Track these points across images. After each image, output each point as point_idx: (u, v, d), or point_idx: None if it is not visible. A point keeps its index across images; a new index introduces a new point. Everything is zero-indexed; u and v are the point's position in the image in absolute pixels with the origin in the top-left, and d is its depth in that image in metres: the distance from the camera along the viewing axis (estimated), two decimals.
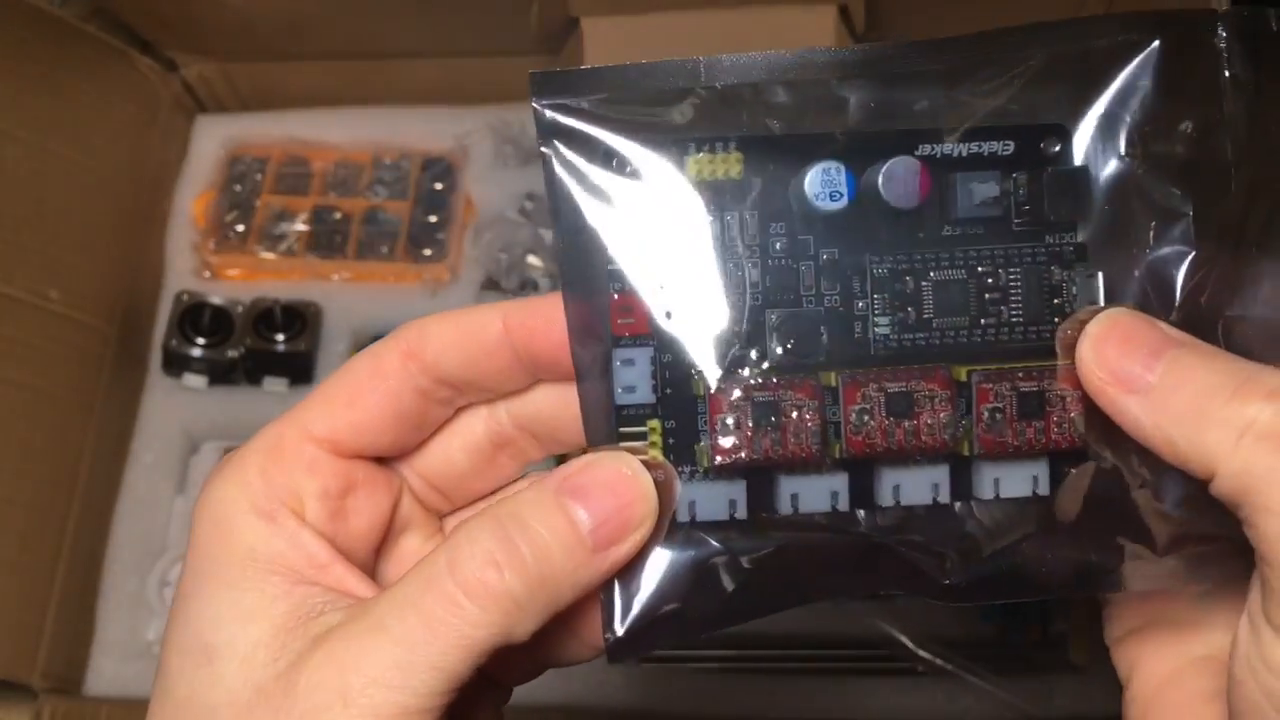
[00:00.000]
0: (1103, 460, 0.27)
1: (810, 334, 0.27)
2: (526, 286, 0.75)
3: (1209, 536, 0.26)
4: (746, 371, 0.27)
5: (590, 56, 0.65)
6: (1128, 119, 0.27)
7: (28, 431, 0.65)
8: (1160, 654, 0.29)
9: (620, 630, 0.26)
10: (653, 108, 0.26)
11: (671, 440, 0.27)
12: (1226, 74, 0.26)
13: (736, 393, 0.26)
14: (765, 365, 0.27)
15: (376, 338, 0.79)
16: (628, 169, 0.26)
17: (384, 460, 0.29)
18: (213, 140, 0.79)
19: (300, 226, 0.76)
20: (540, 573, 0.24)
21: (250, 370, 0.72)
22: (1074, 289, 0.27)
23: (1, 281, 0.65)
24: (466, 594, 0.24)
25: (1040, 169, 0.27)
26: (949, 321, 0.27)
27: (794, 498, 0.27)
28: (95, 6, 0.74)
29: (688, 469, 0.27)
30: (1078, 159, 0.27)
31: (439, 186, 0.77)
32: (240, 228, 0.76)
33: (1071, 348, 0.27)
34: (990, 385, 0.27)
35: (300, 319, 0.73)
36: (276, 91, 0.81)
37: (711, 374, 0.27)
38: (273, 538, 0.26)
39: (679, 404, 0.27)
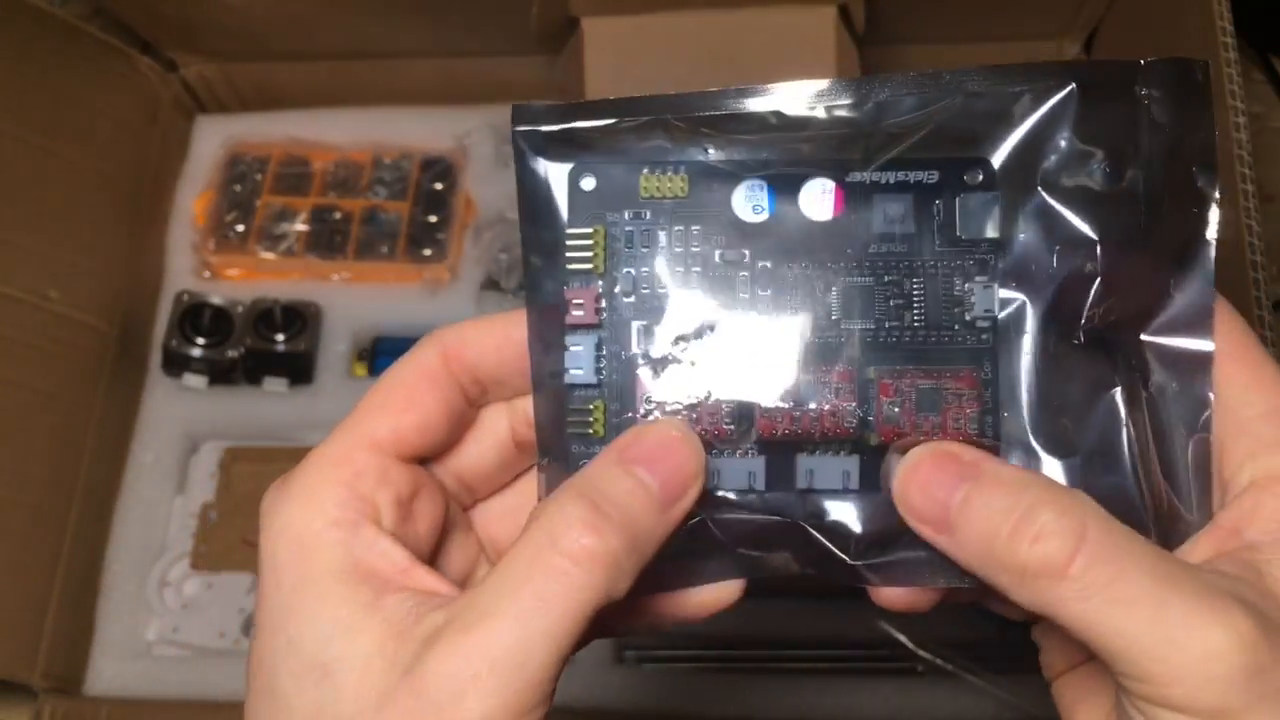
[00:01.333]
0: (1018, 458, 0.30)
1: (747, 313, 0.30)
2: None
3: None
4: (678, 362, 0.30)
5: (590, 56, 0.65)
6: (1044, 152, 0.29)
7: (28, 431, 0.65)
8: (1097, 695, 0.30)
9: None
10: (615, 135, 0.30)
11: (614, 420, 0.30)
12: (1148, 118, 0.28)
13: (667, 378, 0.30)
14: (694, 355, 0.30)
15: (376, 338, 0.79)
16: (591, 185, 0.30)
17: (424, 462, 0.31)
18: (213, 140, 0.79)
19: (300, 226, 0.76)
20: (631, 532, 0.26)
21: (250, 370, 0.72)
22: (973, 299, 0.30)
23: (1, 281, 0.65)
24: (574, 561, 0.25)
25: (959, 194, 0.30)
26: (856, 323, 0.30)
27: (715, 474, 0.30)
28: (95, 6, 0.74)
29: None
30: (996, 183, 0.30)
31: (439, 186, 0.77)
32: (240, 228, 0.76)
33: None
34: (891, 381, 0.30)
35: (300, 319, 0.73)
36: (276, 91, 0.81)
37: (645, 359, 0.30)
38: (357, 549, 0.27)
39: (619, 386, 0.30)
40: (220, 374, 0.72)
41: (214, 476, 0.71)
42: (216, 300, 0.73)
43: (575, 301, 0.30)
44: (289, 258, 0.75)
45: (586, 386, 0.30)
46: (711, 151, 0.30)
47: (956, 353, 0.30)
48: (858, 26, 0.66)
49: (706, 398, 0.30)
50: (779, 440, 0.30)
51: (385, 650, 0.26)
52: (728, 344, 0.30)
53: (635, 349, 0.30)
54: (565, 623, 0.25)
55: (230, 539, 0.69)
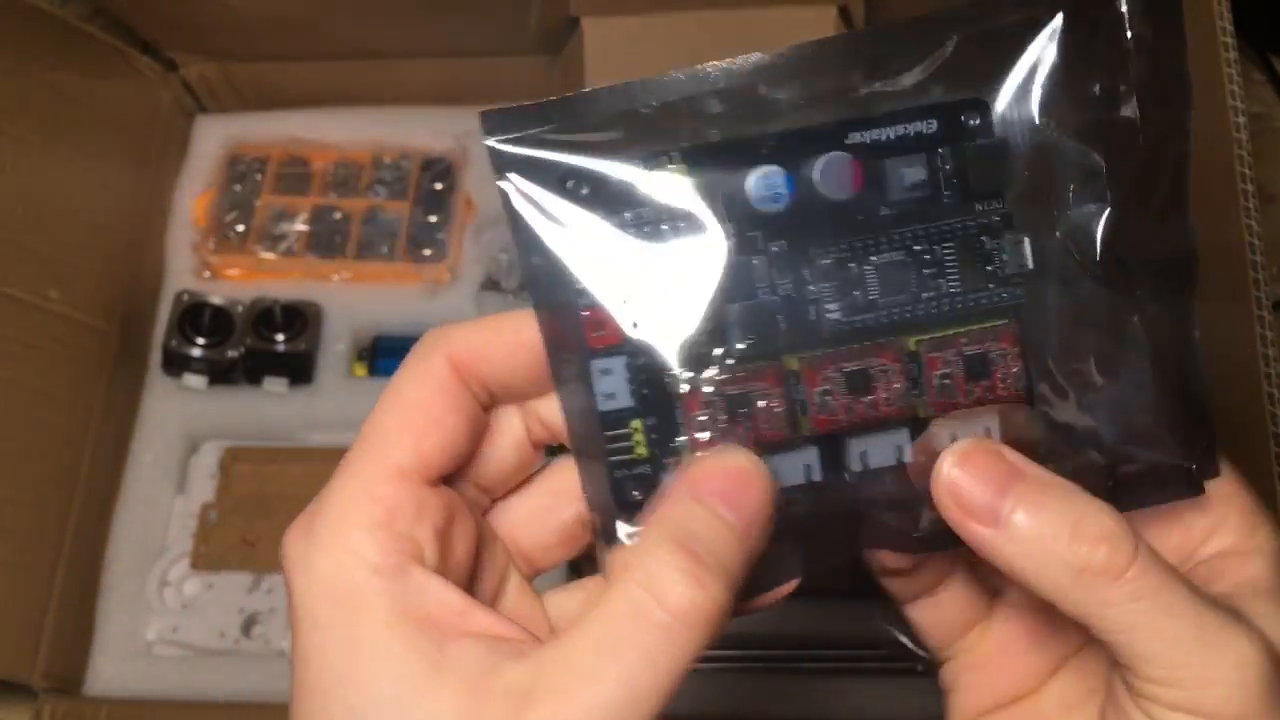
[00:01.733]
0: (1049, 406, 0.29)
1: (769, 324, 0.29)
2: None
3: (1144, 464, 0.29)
4: (714, 368, 0.28)
5: (590, 56, 0.65)
6: (1040, 88, 0.28)
7: (28, 431, 0.65)
8: None
9: None
10: (597, 131, 0.28)
11: (654, 436, 0.29)
12: (1129, 35, 0.28)
13: (707, 389, 0.28)
14: (730, 360, 0.29)
15: (376, 338, 0.79)
16: (582, 191, 0.28)
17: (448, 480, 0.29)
18: (213, 140, 0.79)
19: (300, 226, 0.76)
20: (728, 578, 0.25)
21: (250, 370, 0.72)
22: (1004, 255, 0.29)
23: (1, 281, 0.65)
24: (682, 619, 0.24)
25: (963, 144, 0.29)
26: (894, 299, 0.29)
27: (773, 475, 0.28)
28: (95, 6, 0.74)
29: (671, 461, 0.29)
30: (998, 130, 0.29)
31: (439, 186, 0.77)
32: (240, 228, 0.76)
33: (923, 473, 0.29)
34: (938, 353, 0.29)
35: (300, 319, 0.73)
36: (276, 91, 0.81)
37: (682, 374, 0.28)
38: (408, 597, 0.25)
39: (657, 403, 0.28)
40: (220, 374, 0.72)
41: (214, 476, 0.71)
42: (216, 300, 0.73)
43: (596, 322, 0.28)
44: (289, 258, 0.75)
45: (622, 410, 0.28)
46: (713, 133, 0.28)
47: (994, 311, 0.29)
48: (857, 26, 0.66)
49: (755, 402, 0.29)
50: (832, 432, 0.29)
51: (466, 710, 0.24)
52: (765, 341, 0.29)
53: (668, 361, 0.28)
54: (672, 679, 0.24)
55: (230, 539, 0.69)
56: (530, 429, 0.30)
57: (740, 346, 0.29)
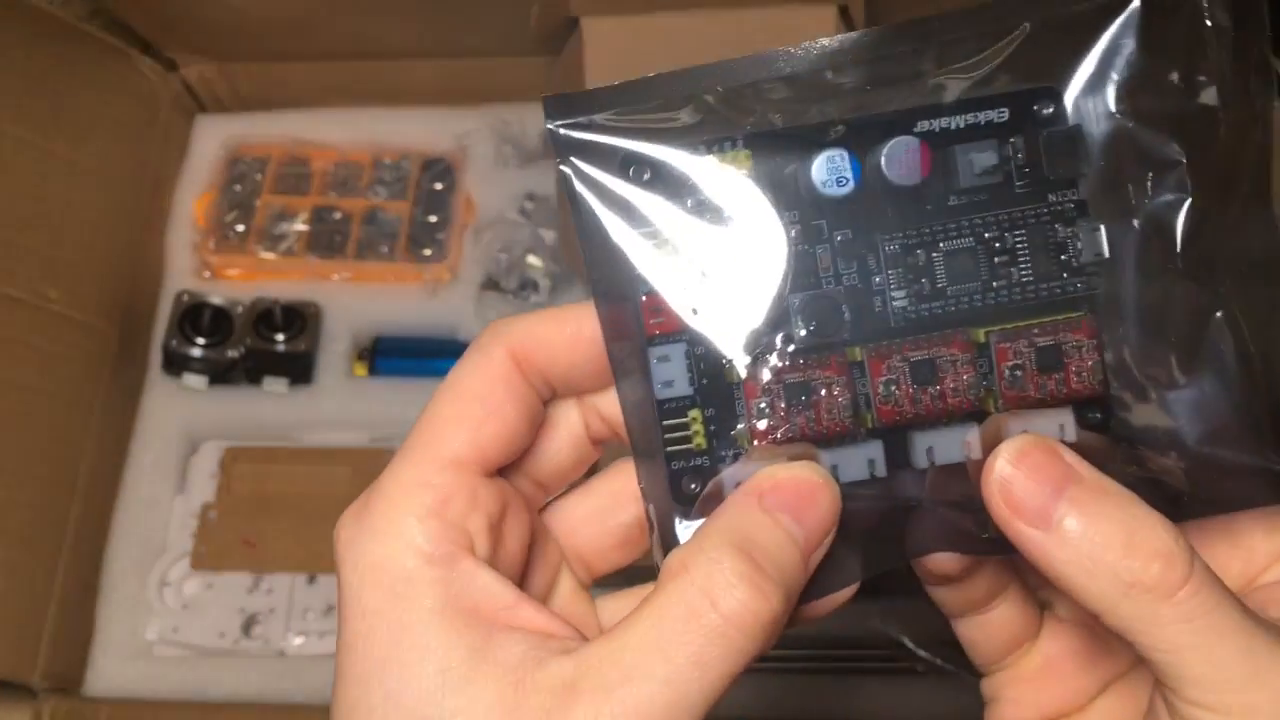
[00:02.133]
0: (1126, 403, 0.28)
1: (832, 313, 0.28)
2: (526, 287, 0.75)
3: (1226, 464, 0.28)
4: (775, 356, 0.28)
5: (590, 56, 0.65)
6: (1115, 76, 0.27)
7: (28, 431, 0.65)
8: None
9: None
10: (660, 114, 0.27)
11: (712, 427, 0.28)
12: (1208, 23, 0.27)
13: (767, 377, 0.27)
14: (792, 348, 0.28)
15: (376, 338, 0.79)
16: (644, 176, 0.27)
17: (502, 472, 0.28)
18: (213, 140, 0.79)
19: (300, 226, 0.76)
20: (787, 589, 0.25)
21: (250, 370, 0.72)
22: (1079, 244, 0.28)
23: (1, 281, 0.65)
24: (737, 625, 0.24)
25: (1036, 131, 0.28)
26: (963, 288, 0.28)
27: (834, 469, 0.28)
28: (95, 6, 0.74)
29: (730, 452, 0.28)
30: (1070, 119, 0.28)
31: (439, 186, 0.77)
32: (240, 228, 0.76)
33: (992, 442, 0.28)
34: (1008, 344, 0.28)
35: (300, 319, 0.73)
36: (276, 91, 0.81)
37: (742, 362, 0.28)
38: (456, 586, 0.25)
39: (716, 393, 0.28)
40: (220, 374, 0.72)
41: (214, 476, 0.71)
42: (216, 300, 0.73)
43: (655, 308, 0.27)
44: (289, 258, 0.75)
45: (680, 399, 0.28)
46: (777, 119, 0.27)
47: (1068, 302, 0.28)
48: (858, 26, 0.66)
49: (817, 391, 0.28)
50: (897, 424, 0.28)
51: (505, 701, 0.23)
52: (828, 329, 0.28)
53: (728, 350, 0.28)
54: (720, 685, 0.24)
55: (230, 539, 0.69)
56: (589, 424, 0.30)
57: (802, 334, 0.28)
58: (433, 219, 0.76)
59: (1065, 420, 0.28)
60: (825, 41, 0.27)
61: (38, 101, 0.69)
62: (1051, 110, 0.28)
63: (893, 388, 0.28)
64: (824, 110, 0.28)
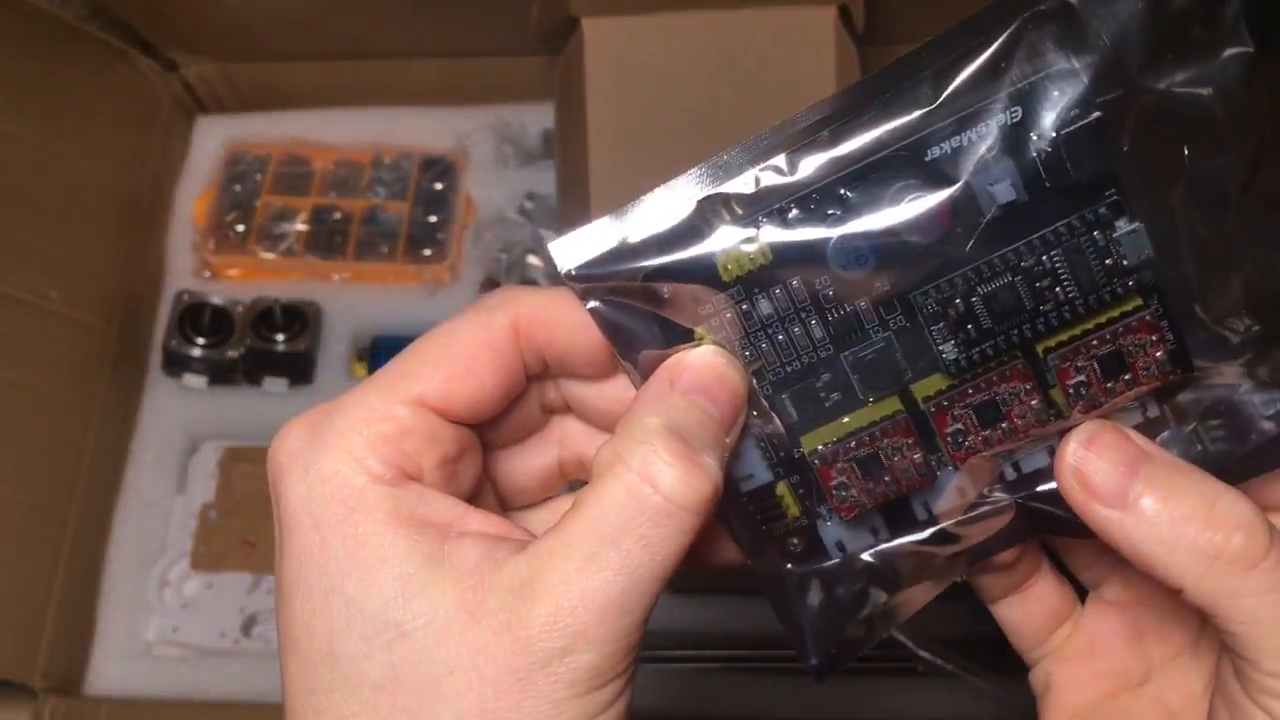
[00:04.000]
0: (1215, 381, 0.28)
1: (886, 360, 0.28)
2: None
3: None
4: (842, 418, 0.28)
5: (590, 56, 0.65)
6: (1131, 45, 0.25)
7: (28, 431, 0.65)
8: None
9: (814, 659, 0.30)
10: (666, 228, 0.27)
11: (801, 491, 0.29)
12: None
13: (837, 459, 0.28)
14: (851, 412, 0.28)
15: (376, 338, 0.79)
16: (666, 294, 0.27)
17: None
18: (213, 140, 0.79)
19: (300, 226, 0.76)
20: (718, 466, 0.25)
21: (250, 370, 0.72)
22: (1119, 247, 0.26)
23: (1, 281, 0.65)
24: (680, 502, 0.24)
25: (1056, 128, 0.26)
26: (1010, 321, 0.27)
27: (925, 505, 0.29)
28: (95, 6, 0.74)
29: (826, 509, 0.29)
30: (1089, 98, 0.26)
31: (439, 186, 0.77)
32: (240, 228, 0.76)
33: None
34: (1068, 364, 0.27)
35: (300, 319, 0.73)
36: (276, 91, 0.81)
37: (809, 443, 0.28)
38: (408, 503, 0.25)
39: (796, 468, 0.29)
40: (220, 374, 0.72)
41: (214, 476, 0.71)
42: (216, 300, 0.73)
43: None
44: (289, 258, 0.75)
45: (764, 485, 0.29)
46: (794, 213, 0.26)
47: (1121, 304, 0.27)
48: (858, 26, 0.66)
49: (891, 454, 0.28)
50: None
51: (466, 603, 0.24)
52: (880, 389, 0.28)
53: (792, 424, 0.28)
54: (670, 565, 0.24)
55: (230, 539, 0.69)
56: (547, 396, 0.30)
57: (862, 395, 0.28)
58: (433, 219, 0.76)
59: (1148, 401, 0.28)
60: (814, 106, 0.26)
61: (38, 101, 0.69)
62: (1068, 96, 0.26)
63: (962, 437, 0.28)
64: (829, 169, 0.26)
